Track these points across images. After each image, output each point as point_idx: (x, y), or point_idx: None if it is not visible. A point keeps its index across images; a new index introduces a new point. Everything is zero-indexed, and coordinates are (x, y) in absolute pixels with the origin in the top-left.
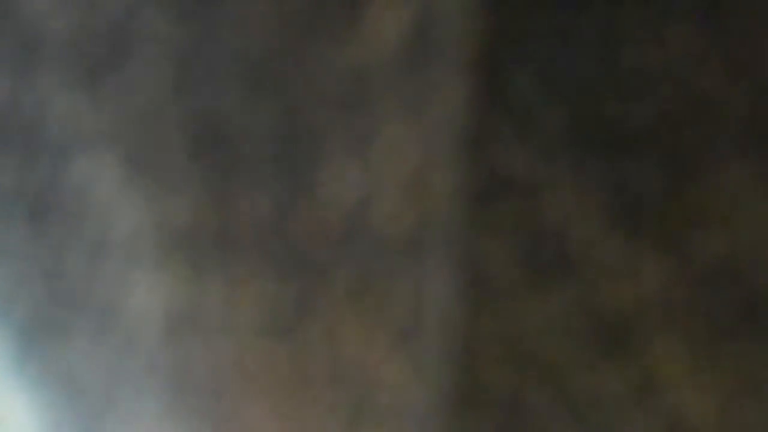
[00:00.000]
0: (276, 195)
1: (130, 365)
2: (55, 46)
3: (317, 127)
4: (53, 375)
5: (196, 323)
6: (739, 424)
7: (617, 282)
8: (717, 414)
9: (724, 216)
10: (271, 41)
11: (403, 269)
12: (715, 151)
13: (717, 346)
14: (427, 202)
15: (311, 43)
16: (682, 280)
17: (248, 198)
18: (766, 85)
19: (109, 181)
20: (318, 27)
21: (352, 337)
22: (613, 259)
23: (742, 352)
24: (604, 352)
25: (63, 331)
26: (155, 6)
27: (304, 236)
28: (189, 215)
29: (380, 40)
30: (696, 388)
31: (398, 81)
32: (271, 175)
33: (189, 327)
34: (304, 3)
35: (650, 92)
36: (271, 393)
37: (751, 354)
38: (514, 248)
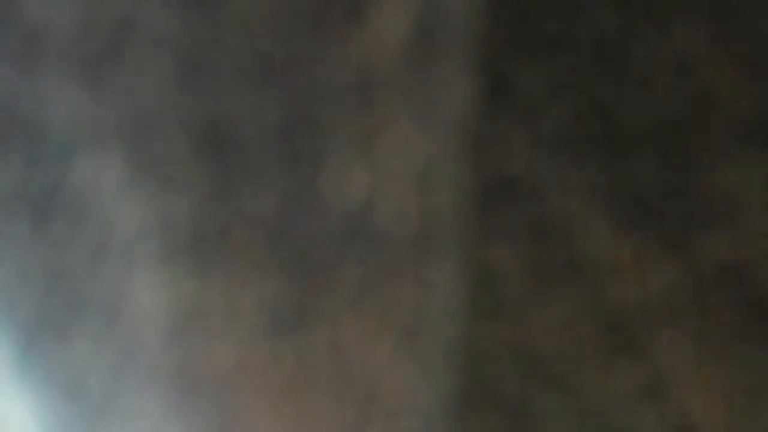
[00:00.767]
0: (280, 194)
1: (133, 365)
2: (57, 43)
3: (321, 127)
4: (55, 375)
5: (199, 323)
6: (746, 424)
7: (623, 282)
8: (725, 415)
9: (731, 215)
10: (276, 39)
11: (408, 269)
12: (721, 149)
13: (724, 346)
14: (432, 202)
15: (316, 41)
16: (689, 280)
17: (252, 197)
18: None
19: (112, 180)
20: (323, 26)
21: (357, 338)
22: (618, 259)
23: (750, 352)
24: (610, 352)
25: (65, 331)
26: (158, 4)
27: (308, 236)
28: (192, 214)
29: (385, 39)
30: (703, 389)
31: (403, 80)
32: (275, 175)
33: (192, 327)
34: (309, 1)
35: (656, 91)
36: (275, 393)
37: (758, 354)
38: (519, 248)
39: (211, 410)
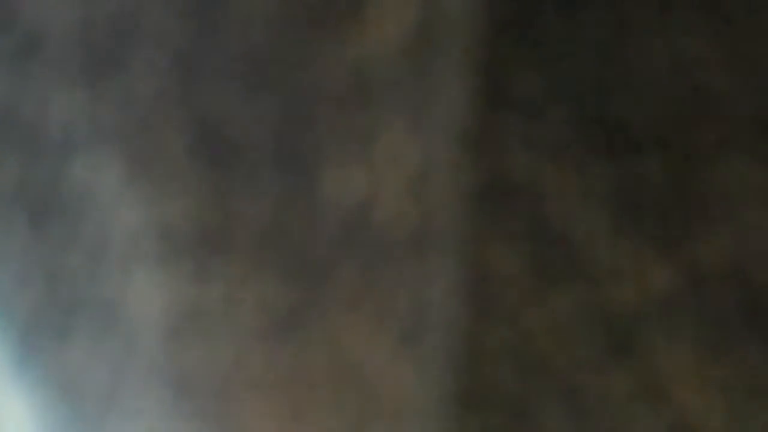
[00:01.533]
0: (278, 195)
1: (132, 366)
2: (56, 44)
3: (319, 128)
4: (54, 376)
5: (197, 324)
6: (745, 425)
7: (622, 283)
8: (724, 415)
9: (730, 216)
10: (274, 40)
11: (406, 270)
12: (721, 151)
13: (723, 347)
14: (430, 203)
15: (314, 42)
16: (689, 280)
17: (250, 198)
18: None
19: (111, 181)
20: (321, 26)
21: (355, 339)
22: (618, 261)
23: (749, 353)
24: (609, 353)
25: (64, 332)
26: (157, 4)
27: (305, 237)
28: (190, 215)
29: (383, 40)
30: (702, 390)
31: (401, 81)
32: (274, 175)
33: (190, 328)
34: (308, 2)
35: (655, 92)
36: (273, 394)
37: (757, 355)
38: (518, 250)
39: (209, 410)
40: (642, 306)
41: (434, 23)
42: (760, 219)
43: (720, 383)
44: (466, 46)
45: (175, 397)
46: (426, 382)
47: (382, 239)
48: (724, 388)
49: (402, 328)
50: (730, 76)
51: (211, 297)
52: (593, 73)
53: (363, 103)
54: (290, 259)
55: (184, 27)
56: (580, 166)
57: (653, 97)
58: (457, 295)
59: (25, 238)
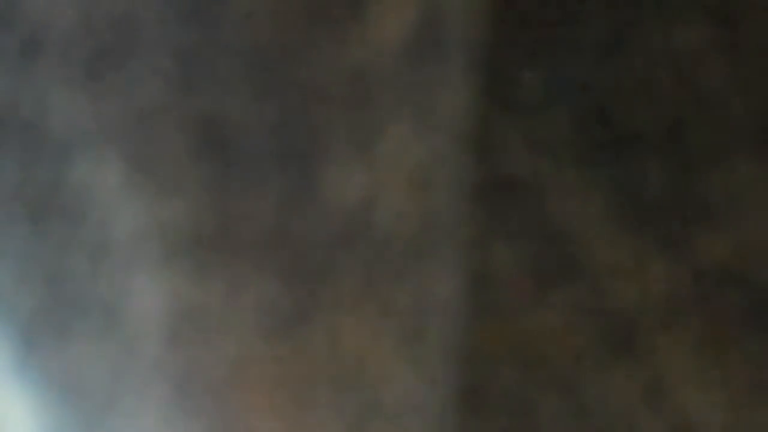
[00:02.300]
0: (279, 195)
1: (133, 366)
2: (55, 43)
3: (320, 127)
4: (55, 376)
5: (198, 324)
6: (746, 424)
7: (623, 283)
8: (725, 415)
9: (731, 215)
10: (275, 40)
11: (408, 270)
12: (720, 150)
13: (724, 346)
14: (432, 203)
15: (315, 42)
16: (689, 280)
17: (251, 198)
18: None
19: (111, 181)
20: (322, 26)
21: (356, 339)
22: (619, 260)
23: (750, 353)
24: (610, 353)
25: (64, 332)
26: (157, 5)
27: (306, 237)
28: (191, 215)
29: (384, 40)
30: (703, 389)
31: (402, 81)
32: (274, 175)
33: (191, 328)
34: (308, 2)
35: (655, 92)
36: (275, 394)
37: (758, 354)
38: (519, 249)
39: (210, 411)
40: (642, 305)
41: (434, 23)
42: (760, 218)
43: (721, 382)
44: (467, 45)
45: (175, 396)
46: (427, 382)
47: (383, 239)
48: (724, 387)
49: (403, 328)
50: (730, 76)
51: (212, 297)
52: (594, 73)
53: (364, 103)
54: (291, 259)
55: (185, 27)
56: (580, 166)
57: (653, 97)
58: (458, 295)
59: (26, 238)
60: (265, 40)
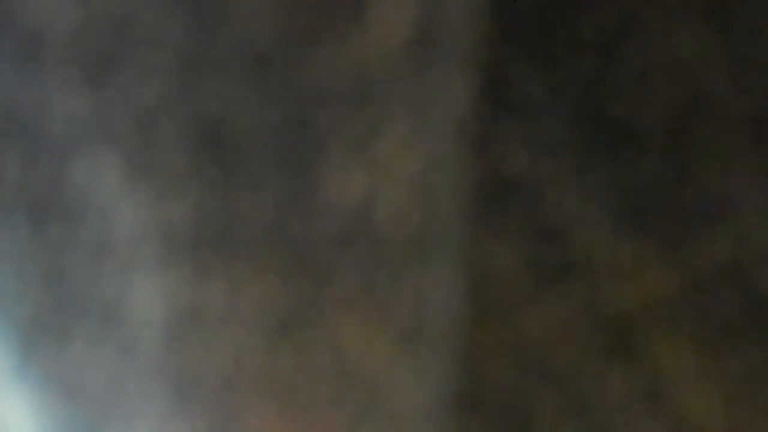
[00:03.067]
0: (279, 195)
1: (132, 367)
2: (56, 44)
3: (320, 127)
4: (54, 377)
5: (198, 324)
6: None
7: (622, 283)
8: (723, 415)
9: (730, 216)
10: (275, 40)
11: (407, 270)
12: (720, 151)
13: (723, 348)
14: (431, 203)
15: (315, 42)
16: (688, 280)
17: (251, 198)
18: None
19: (111, 182)
20: (322, 26)
21: (356, 339)
22: (617, 261)
23: (748, 355)
24: (609, 354)
25: (64, 333)
26: (158, 5)
27: (307, 237)
28: (191, 215)
29: (384, 40)
30: (702, 391)
31: (402, 80)
32: (274, 175)
33: (191, 328)
34: (309, 2)
35: (655, 92)
36: (274, 394)
37: (757, 356)
38: (518, 249)
39: (210, 411)
40: (641, 305)
41: (434, 23)
42: (759, 218)
43: (720, 383)
44: (467, 46)
45: (175, 397)
46: (425, 382)
47: (383, 239)
48: (723, 388)
49: (402, 328)
50: (730, 76)
51: (212, 297)
52: (593, 73)
53: (363, 104)
54: (290, 259)
55: (185, 27)
56: (580, 166)
57: (653, 97)
58: (457, 295)
59: (26, 239)
60: (265, 41)
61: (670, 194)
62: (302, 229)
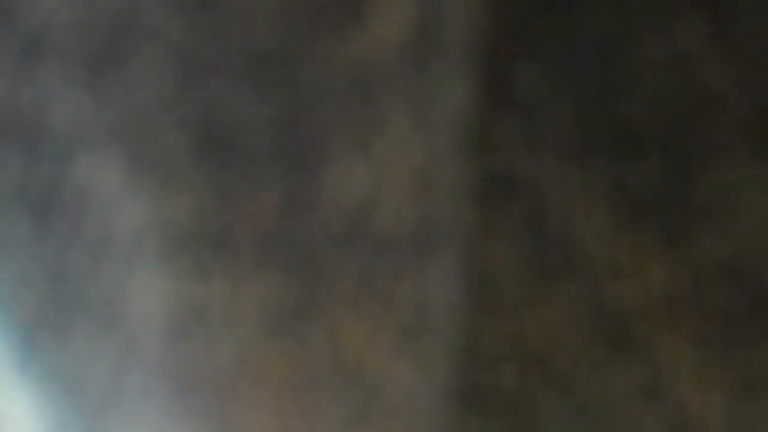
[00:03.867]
0: (279, 193)
1: (133, 364)
2: (56, 43)
3: (321, 126)
4: (56, 374)
5: (199, 322)
6: (745, 422)
7: (623, 281)
8: (723, 413)
9: (730, 214)
10: (275, 38)
11: (408, 268)
12: (720, 149)
13: (723, 344)
14: (432, 201)
15: (315, 40)
16: (688, 279)
17: (252, 196)
18: None
19: (112, 180)
20: (322, 24)
21: (357, 337)
22: (618, 258)
23: (748, 351)
24: (609, 351)
25: (65, 331)
26: (158, 4)
27: (307, 235)
28: (192, 213)
29: (384, 38)
30: (702, 387)
31: (402, 79)
32: (275, 174)
33: (192, 326)
34: (309, 1)
35: (656, 91)
36: (275, 392)
37: (757, 352)
38: (518, 247)
39: (211, 409)
40: (642, 303)
41: (434, 23)
42: (759, 217)
43: (720, 381)
44: (467, 45)
45: (176, 393)
46: (426, 380)
47: (383, 237)
48: (723, 386)
49: (403, 326)
50: (730, 76)
51: (213, 295)
52: (594, 72)
53: (364, 102)
54: (291, 257)
55: (186, 26)
56: (580, 165)
57: (653, 96)
58: (458, 293)
59: (28, 237)
60: (265, 40)
61: (670, 192)
62: (303, 227)
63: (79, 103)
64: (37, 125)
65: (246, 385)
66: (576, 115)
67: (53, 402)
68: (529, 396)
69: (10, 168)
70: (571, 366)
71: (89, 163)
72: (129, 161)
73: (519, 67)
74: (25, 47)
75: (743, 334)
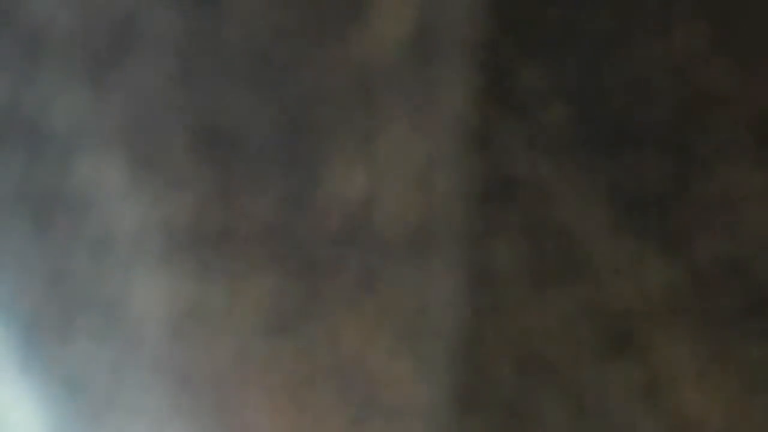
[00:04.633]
0: (280, 193)
1: (134, 364)
2: (57, 43)
3: (321, 126)
4: (57, 374)
5: (199, 322)
6: (744, 423)
7: (623, 281)
8: (723, 413)
9: (730, 214)
10: (276, 39)
11: (408, 268)
12: (720, 149)
13: (722, 345)
14: (432, 201)
15: (316, 40)
16: (688, 279)
17: (252, 196)
18: None
19: (113, 180)
20: (322, 25)
21: (356, 336)
22: (618, 258)
23: (748, 351)
24: (609, 351)
25: (67, 329)
26: (159, 5)
27: (307, 235)
28: (193, 213)
29: (385, 38)
30: (701, 387)
31: (403, 79)
32: (275, 173)
33: (193, 325)
34: (309, 1)
35: (656, 91)
36: (275, 391)
37: (756, 353)
38: (519, 247)
39: (211, 407)
40: (642, 304)
41: (435, 23)
42: (759, 217)
43: (719, 381)
44: (467, 45)
45: (177, 393)
46: (426, 380)
47: (384, 237)
48: (722, 385)
49: (402, 326)
50: (730, 76)
51: (214, 294)
52: (594, 72)
53: (365, 102)
54: (292, 256)
55: (187, 26)
56: (581, 165)
57: (653, 96)
58: (458, 293)
59: (29, 237)
60: (266, 40)
61: (671, 193)
62: (303, 227)
63: (80, 103)
64: (38, 125)
65: (246, 384)
66: (576, 115)
67: (54, 401)
68: (529, 396)
69: (12, 168)
70: (571, 366)
71: (90, 163)
72: (129, 161)
73: (520, 67)
74: (27, 48)
75: (743, 334)
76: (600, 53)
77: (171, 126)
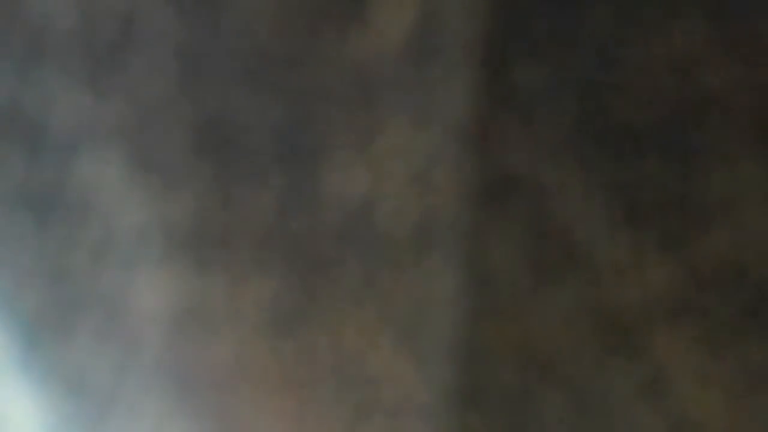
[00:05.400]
0: (280, 192)
1: (135, 363)
2: (59, 43)
3: (321, 125)
4: (58, 373)
5: (200, 320)
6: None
7: (623, 280)
8: (723, 411)
9: (730, 214)
10: (276, 38)
11: (408, 267)
12: (720, 149)
13: (722, 343)
14: (432, 200)
15: (316, 40)
16: (688, 278)
17: (252, 195)
18: None
19: (114, 179)
20: (323, 24)
21: (357, 335)
22: (618, 257)
23: (748, 349)
24: (609, 349)
25: (67, 329)
26: (160, 4)
27: (308, 235)
28: (193, 212)
29: (385, 38)
30: (702, 386)
31: (403, 78)
32: (276, 172)
33: (193, 324)
34: (309, 1)
35: (656, 90)
36: (275, 390)
37: (756, 351)
38: (519, 246)
39: (212, 407)
40: (642, 303)
41: (435, 23)
42: (758, 217)
43: (720, 379)
44: (467, 45)
45: (178, 392)
46: (427, 379)
47: (383, 237)
48: (723, 383)
49: (403, 325)
50: (730, 76)
51: (214, 294)
52: (596, 72)
53: (365, 102)
54: (292, 255)
55: (187, 26)
56: (581, 165)
57: (653, 96)
58: (458, 292)
59: (30, 236)
60: (266, 40)
61: (671, 192)
62: (303, 227)
63: (81, 103)
64: (40, 125)
65: (246, 383)
66: (576, 115)
67: (55, 400)
68: (530, 395)
69: (13, 167)
70: (571, 365)
71: (91, 163)
72: (130, 161)
73: (520, 67)
74: (28, 48)
75: (743, 332)
76: (600, 53)
77: (171, 126)
